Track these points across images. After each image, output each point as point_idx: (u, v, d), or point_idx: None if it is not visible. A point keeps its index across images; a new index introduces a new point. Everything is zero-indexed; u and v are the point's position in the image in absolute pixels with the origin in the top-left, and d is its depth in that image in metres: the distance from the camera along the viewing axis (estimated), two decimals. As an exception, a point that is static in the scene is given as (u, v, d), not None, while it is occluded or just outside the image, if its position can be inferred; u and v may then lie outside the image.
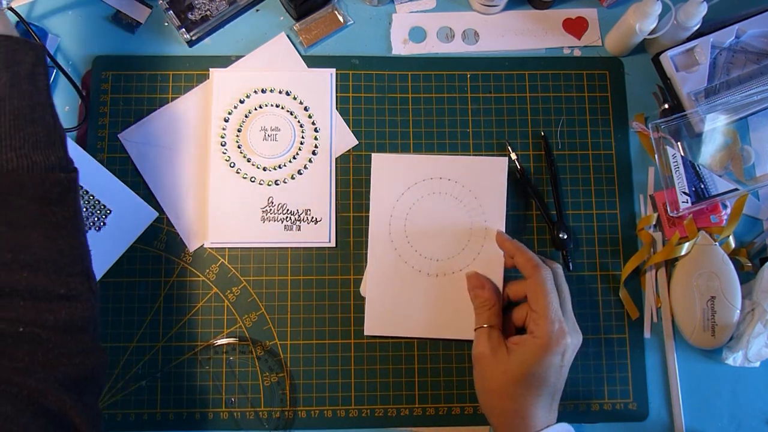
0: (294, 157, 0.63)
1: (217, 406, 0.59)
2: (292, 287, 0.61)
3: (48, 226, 0.44)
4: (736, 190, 0.61)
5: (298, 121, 0.63)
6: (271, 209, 0.62)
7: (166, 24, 0.65)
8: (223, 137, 0.63)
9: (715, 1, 0.62)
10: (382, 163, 0.61)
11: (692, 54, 0.62)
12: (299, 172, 0.63)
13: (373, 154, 0.61)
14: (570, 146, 0.64)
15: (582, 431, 0.60)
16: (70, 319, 0.43)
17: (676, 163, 0.61)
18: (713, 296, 0.58)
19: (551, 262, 0.56)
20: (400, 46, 0.66)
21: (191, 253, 0.61)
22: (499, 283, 0.59)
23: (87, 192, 0.60)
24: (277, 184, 0.62)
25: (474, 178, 0.61)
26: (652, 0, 0.58)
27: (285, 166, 0.63)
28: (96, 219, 0.60)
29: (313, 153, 0.63)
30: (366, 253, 0.61)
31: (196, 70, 0.64)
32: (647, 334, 0.62)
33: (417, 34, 0.66)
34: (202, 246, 0.61)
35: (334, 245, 0.62)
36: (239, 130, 0.63)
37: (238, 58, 0.64)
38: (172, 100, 0.63)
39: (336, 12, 0.65)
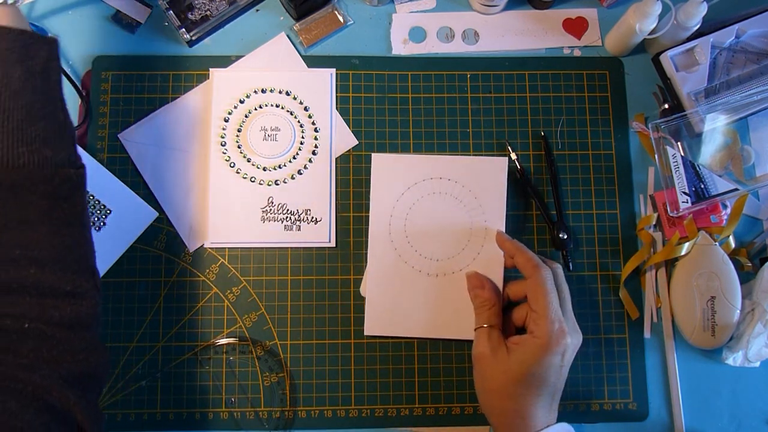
0: (294, 157, 0.63)
1: (217, 406, 0.59)
2: (292, 287, 0.61)
3: (56, 223, 0.44)
4: (736, 190, 0.61)
5: (298, 121, 0.63)
6: (271, 209, 0.62)
7: (166, 24, 0.65)
8: (223, 137, 0.63)
9: (715, 1, 0.62)
10: (382, 163, 0.61)
11: (692, 54, 0.62)
12: (299, 172, 0.63)
13: (373, 154, 0.61)
14: (570, 146, 0.64)
15: (582, 431, 0.60)
16: (75, 315, 0.43)
17: (676, 163, 0.61)
18: (713, 296, 0.58)
19: (551, 262, 0.56)
20: (400, 46, 0.66)
21: (191, 253, 0.61)
22: (499, 283, 0.59)
23: (87, 192, 0.60)
24: (277, 184, 0.62)
25: (474, 178, 0.61)
26: (652, 0, 0.58)
27: (285, 166, 0.63)
28: (96, 219, 0.60)
29: (313, 153, 0.63)
30: (366, 253, 0.61)
31: (196, 70, 0.64)
32: (647, 334, 0.62)
33: (417, 34, 0.66)
34: (202, 246, 0.61)
35: (334, 245, 0.62)
36: (239, 130, 0.63)
37: (238, 58, 0.64)
38: (172, 100, 0.63)
39: (336, 12, 0.65)
